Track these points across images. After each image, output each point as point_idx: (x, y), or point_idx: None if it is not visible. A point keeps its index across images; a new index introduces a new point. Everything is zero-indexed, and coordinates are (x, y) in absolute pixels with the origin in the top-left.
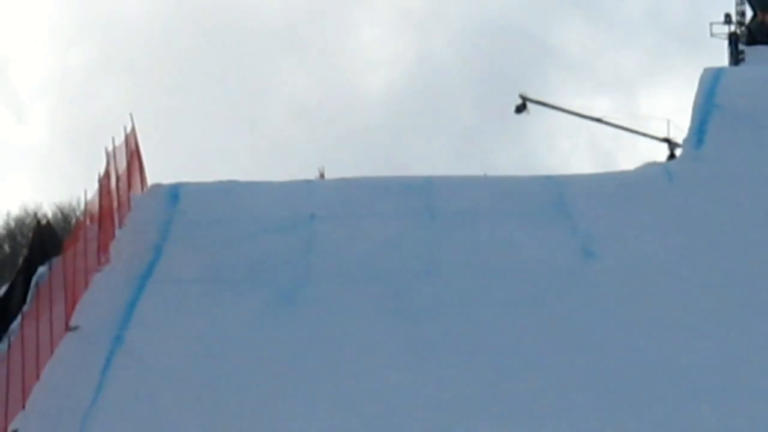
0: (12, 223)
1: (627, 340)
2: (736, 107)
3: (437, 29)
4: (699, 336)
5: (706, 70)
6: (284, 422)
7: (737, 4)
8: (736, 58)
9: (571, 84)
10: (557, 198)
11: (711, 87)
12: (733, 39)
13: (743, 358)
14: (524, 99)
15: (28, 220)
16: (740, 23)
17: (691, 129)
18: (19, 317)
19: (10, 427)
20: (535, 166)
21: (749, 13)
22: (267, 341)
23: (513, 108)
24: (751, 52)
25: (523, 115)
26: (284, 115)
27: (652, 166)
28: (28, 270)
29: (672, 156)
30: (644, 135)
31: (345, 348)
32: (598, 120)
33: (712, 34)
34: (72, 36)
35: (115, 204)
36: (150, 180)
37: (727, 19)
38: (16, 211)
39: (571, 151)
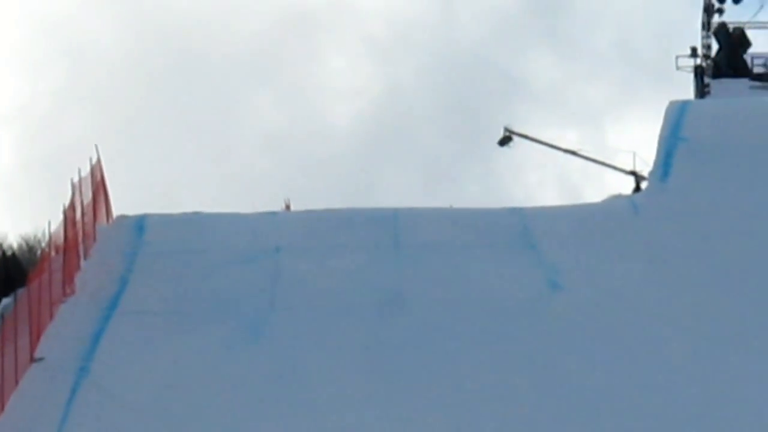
0: None
1: (595, 373)
2: (702, 140)
3: (404, 59)
4: (668, 369)
5: (671, 103)
6: None
7: (703, 38)
8: (701, 91)
9: (539, 115)
10: (522, 230)
11: (677, 120)
12: (698, 72)
13: (715, 392)
14: (509, 132)
15: None
16: (706, 56)
17: (656, 162)
18: None
19: None
20: (503, 198)
21: (715, 46)
22: (233, 374)
23: (496, 140)
24: (717, 85)
25: (506, 148)
26: (250, 145)
27: (617, 198)
28: None
29: (638, 189)
30: (613, 168)
31: (311, 380)
32: (573, 153)
33: (677, 67)
34: (38, 63)
35: (80, 235)
36: (116, 211)
37: (693, 53)
38: None
39: (539, 184)
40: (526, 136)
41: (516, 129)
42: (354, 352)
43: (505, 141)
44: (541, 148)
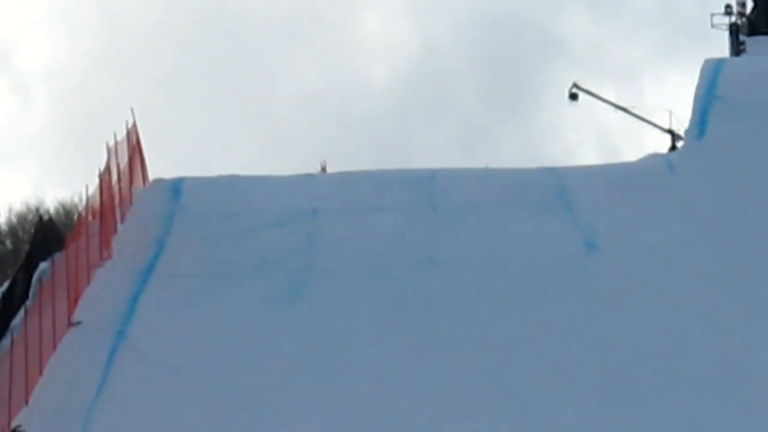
0: (14, 219)
1: (630, 332)
2: (737, 98)
3: (441, 17)
4: (703, 328)
5: (706, 61)
6: (288, 416)
7: None
8: (737, 49)
9: (575, 74)
10: (559, 190)
11: (712, 78)
12: (733, 30)
13: (748, 350)
14: (578, 87)
15: (30, 216)
16: (741, 14)
17: (692, 120)
18: (21, 313)
19: (14, 423)
20: (540, 158)
21: (750, 4)
22: (270, 336)
23: (567, 95)
24: (752, 43)
25: (573, 104)
26: (287, 106)
27: (653, 157)
28: (31, 266)
29: (674, 147)
30: (654, 125)
31: (348, 341)
32: (625, 110)
33: (712, 25)
34: (73, 24)
35: (116, 199)
36: (152, 175)
37: (728, 10)
38: (18, 206)
39: (579, 143)
40: (591, 93)
41: (582, 86)
42: (391, 313)
43: (574, 96)
44: (570, 109)
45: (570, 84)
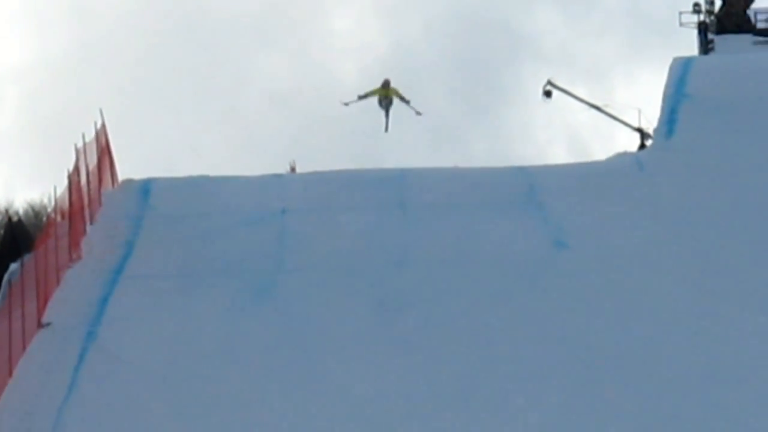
0: None
1: (600, 331)
2: (706, 96)
3: (411, 17)
4: (673, 327)
5: (675, 59)
6: (262, 419)
7: None
8: (705, 47)
9: (545, 73)
10: (528, 189)
11: (680, 76)
12: (702, 28)
13: (719, 348)
14: (552, 85)
15: None
16: (709, 12)
17: (661, 119)
18: None
19: None
20: (510, 158)
21: (718, 2)
22: (242, 336)
23: (540, 92)
24: (721, 42)
25: (547, 101)
26: (255, 106)
27: (623, 156)
28: (0, 267)
29: (643, 146)
30: (624, 124)
31: (319, 342)
32: (598, 108)
33: (681, 24)
34: (42, 23)
35: (85, 200)
36: (121, 175)
37: (696, 9)
38: None
39: (548, 142)
40: (565, 91)
41: (557, 83)
42: (361, 312)
43: (548, 94)
44: (540, 107)
45: (543, 82)
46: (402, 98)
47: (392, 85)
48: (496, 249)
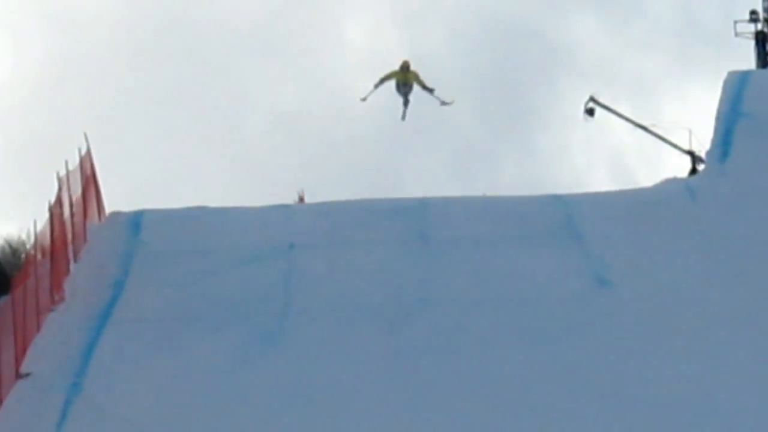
0: None
1: (648, 382)
2: (764, 115)
3: (433, 25)
4: (729, 376)
5: (730, 74)
6: None
7: (764, 0)
8: (764, 59)
9: (583, 89)
10: (566, 220)
11: (736, 93)
12: (760, 38)
13: None
14: (595, 102)
15: None
16: None
17: (714, 140)
18: None
19: None
20: (545, 185)
21: None
22: (245, 387)
23: (582, 110)
24: None
25: (589, 120)
26: (259, 128)
27: (671, 182)
28: None
29: (694, 171)
30: (673, 146)
31: (331, 392)
32: (644, 128)
33: (736, 34)
34: (20, 34)
35: (69, 235)
36: (108, 208)
37: (754, 17)
38: None
39: (587, 168)
40: (609, 109)
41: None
42: (377, 360)
43: (590, 112)
44: (580, 129)
45: (582, 98)
46: (424, 86)
47: (412, 68)
48: (529, 288)
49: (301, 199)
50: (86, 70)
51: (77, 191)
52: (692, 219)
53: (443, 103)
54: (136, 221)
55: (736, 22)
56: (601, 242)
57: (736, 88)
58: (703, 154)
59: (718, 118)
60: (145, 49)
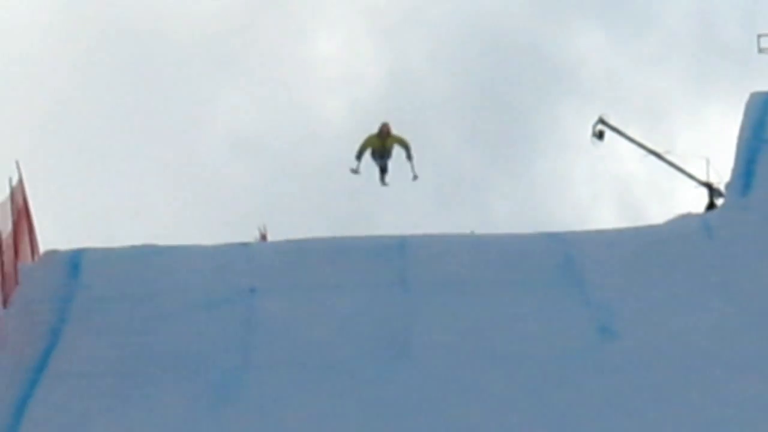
0: None
1: None
2: None
3: (416, 38)
4: None
5: (752, 95)
6: None
7: None
8: None
9: (586, 111)
10: (565, 261)
11: (760, 117)
12: None
13: None
14: (604, 124)
15: None
16: None
17: (735, 171)
18: None
19: None
20: (542, 221)
21: None
22: None
23: (590, 132)
24: None
25: (597, 144)
26: (215, 155)
27: (686, 218)
28: None
29: (712, 206)
30: (688, 176)
31: None
32: (658, 155)
33: (760, 50)
34: None
35: None
36: (43, 246)
37: None
38: None
39: (590, 202)
40: (620, 132)
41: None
42: (348, 421)
43: (600, 135)
44: (582, 158)
45: (588, 121)
46: (407, 149)
47: (394, 132)
48: (523, 340)
49: (263, 237)
50: (15, 89)
51: (8, 227)
52: (709, 260)
53: (415, 177)
54: (74, 261)
55: (759, 36)
56: (605, 287)
57: (760, 112)
58: (722, 187)
59: (739, 146)
60: (84, 63)
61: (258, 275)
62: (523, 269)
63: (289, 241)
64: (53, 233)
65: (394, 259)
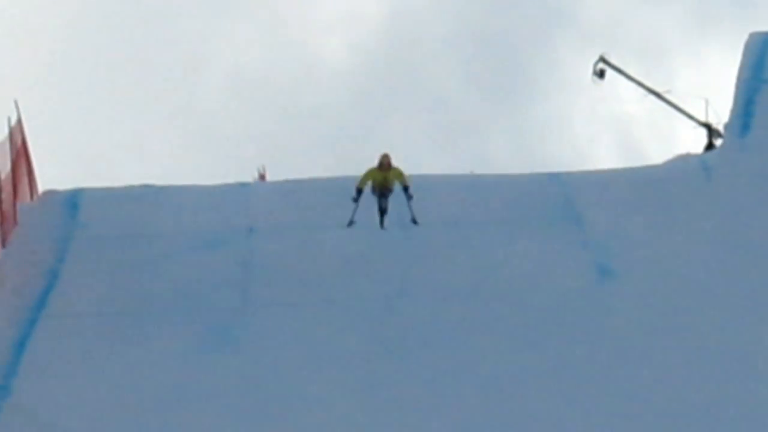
0: None
1: (656, 383)
2: None
3: None
4: (749, 374)
5: (752, 35)
6: None
7: None
8: None
9: (586, 51)
10: (565, 201)
11: (759, 57)
12: None
13: None
14: (605, 62)
15: None
16: None
17: (734, 111)
18: None
19: None
20: (542, 161)
21: None
22: (197, 390)
23: (591, 71)
24: None
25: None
26: (214, 96)
27: (685, 159)
28: None
29: (711, 146)
30: (687, 116)
31: (297, 395)
32: (659, 95)
33: None
34: None
35: None
36: (42, 186)
37: None
38: None
39: (589, 142)
40: (621, 71)
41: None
42: (347, 359)
43: (601, 74)
44: (582, 99)
45: (588, 62)
46: (406, 189)
47: (394, 164)
48: (522, 280)
49: (262, 177)
50: (17, 28)
51: (6, 167)
52: (708, 200)
53: (414, 221)
54: (73, 201)
55: None
56: (604, 227)
57: (759, 52)
58: (720, 127)
59: (738, 86)
60: (83, 2)
61: (257, 215)
62: (522, 209)
63: (287, 181)
64: (52, 173)
65: (392, 198)
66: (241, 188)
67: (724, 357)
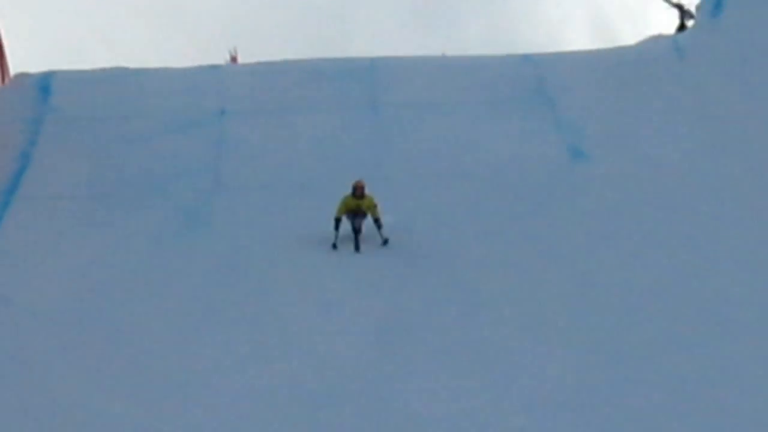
0: None
1: (627, 265)
2: None
3: None
4: (718, 258)
5: None
6: (195, 374)
7: None
8: None
9: None
10: (536, 83)
11: None
12: None
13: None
14: None
15: None
16: None
17: None
18: None
19: None
20: (514, 43)
21: None
22: (168, 273)
23: None
24: None
25: None
26: None
27: (657, 39)
28: None
29: (683, 27)
30: None
31: (267, 277)
32: None
33: None
34: None
35: None
36: (13, 68)
37: None
38: None
39: (561, 23)
40: None
41: None
42: (320, 241)
43: None
44: None
45: None
46: (376, 219)
47: (368, 192)
48: (494, 161)
49: (234, 59)
50: None
51: None
52: (680, 81)
53: (384, 241)
54: (45, 84)
55: None
56: (576, 108)
57: None
58: (693, 8)
59: None
60: None
61: (228, 97)
62: (494, 91)
63: (259, 64)
64: (23, 56)
65: (365, 80)
66: (212, 70)
67: (696, 237)
